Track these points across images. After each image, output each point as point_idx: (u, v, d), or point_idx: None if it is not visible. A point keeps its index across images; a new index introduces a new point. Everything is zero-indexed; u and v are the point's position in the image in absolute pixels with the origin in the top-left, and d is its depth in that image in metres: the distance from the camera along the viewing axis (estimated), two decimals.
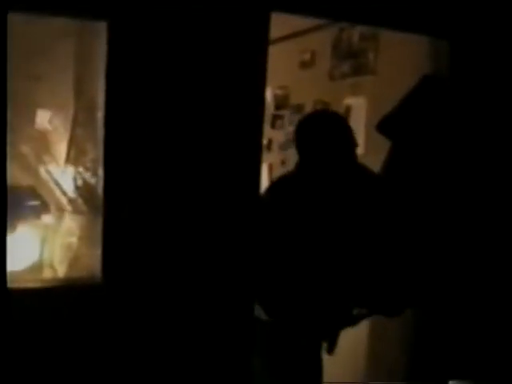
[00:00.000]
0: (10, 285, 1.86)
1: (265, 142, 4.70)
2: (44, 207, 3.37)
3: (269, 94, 4.68)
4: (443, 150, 2.66)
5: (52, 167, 2.35)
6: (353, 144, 2.63)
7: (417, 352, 3.05)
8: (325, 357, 2.79)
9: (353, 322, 2.73)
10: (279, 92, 4.76)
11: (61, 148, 2.33)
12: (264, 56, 2.32)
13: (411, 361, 3.09)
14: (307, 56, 4.30)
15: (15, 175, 2.77)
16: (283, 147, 4.73)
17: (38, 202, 3.41)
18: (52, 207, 2.39)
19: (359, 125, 3.56)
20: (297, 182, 2.70)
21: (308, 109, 4.26)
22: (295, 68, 4.46)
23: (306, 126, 2.75)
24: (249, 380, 2.44)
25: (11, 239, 2.68)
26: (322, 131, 2.63)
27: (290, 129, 4.53)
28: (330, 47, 3.98)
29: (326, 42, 3.97)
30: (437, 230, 2.65)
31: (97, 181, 2.19)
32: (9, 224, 2.24)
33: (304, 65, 4.38)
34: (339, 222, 2.53)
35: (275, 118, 4.83)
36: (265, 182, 4.18)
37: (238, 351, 2.41)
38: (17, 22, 2.09)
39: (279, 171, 4.55)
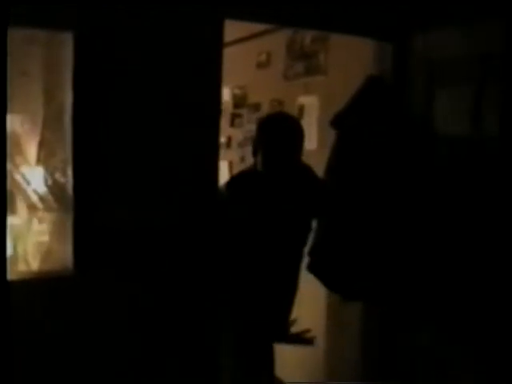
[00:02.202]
0: None
1: (224, 140, 4.87)
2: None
3: (227, 94, 4.85)
4: (387, 143, 2.88)
5: (24, 168, 2.49)
6: (301, 146, 2.78)
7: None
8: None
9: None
10: (237, 92, 4.88)
11: (31, 150, 2.47)
12: (219, 59, 2.49)
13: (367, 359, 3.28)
14: (263, 57, 4.43)
15: None
16: (242, 145, 4.86)
17: None
18: (24, 206, 2.52)
19: (312, 122, 3.75)
20: (254, 178, 2.85)
21: (265, 107, 4.43)
22: (252, 68, 4.58)
23: (264, 126, 2.87)
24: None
25: None
26: (277, 132, 2.78)
27: (249, 127, 4.66)
28: (284, 49, 4.10)
29: (280, 44, 4.10)
30: (382, 215, 2.85)
31: (66, 180, 2.33)
32: None
33: (260, 65, 4.50)
34: (289, 213, 2.75)
35: (234, 116, 4.94)
36: (225, 178, 4.37)
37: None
38: None
39: (239, 167, 4.71)
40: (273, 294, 2.80)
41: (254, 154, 2.79)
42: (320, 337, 3.33)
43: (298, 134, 2.74)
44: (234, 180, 2.97)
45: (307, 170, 2.88)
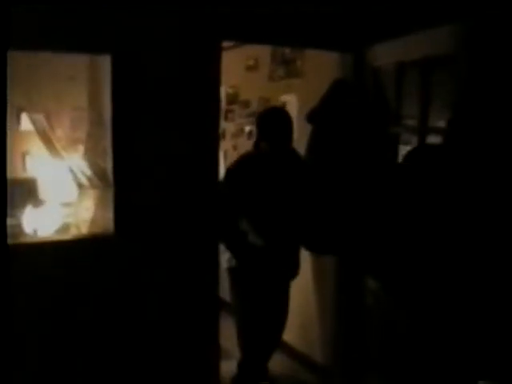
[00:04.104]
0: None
1: (220, 132, 5.59)
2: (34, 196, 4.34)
3: (222, 92, 5.50)
4: (350, 133, 3.61)
5: (74, 156, 3.27)
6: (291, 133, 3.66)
7: None
8: None
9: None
10: (230, 90, 5.51)
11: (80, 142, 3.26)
12: (218, 69, 3.23)
13: None
14: (252, 62, 5.08)
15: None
16: (234, 136, 5.52)
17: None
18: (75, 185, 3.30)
19: (292, 115, 4.33)
20: (257, 158, 3.71)
21: (254, 104, 5.12)
22: (243, 71, 5.22)
23: (264, 117, 3.78)
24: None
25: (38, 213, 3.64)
26: (276, 121, 3.68)
27: (240, 120, 5.38)
28: (269, 56, 4.75)
29: (266, 52, 4.74)
30: (345, 188, 3.58)
31: (107, 164, 3.09)
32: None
33: (250, 69, 5.15)
34: (284, 183, 3.60)
35: (227, 112, 5.58)
36: (221, 165, 5.11)
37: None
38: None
39: (232, 155, 5.41)
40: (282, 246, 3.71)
41: (258, 139, 3.66)
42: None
43: (291, 123, 3.72)
44: (244, 158, 3.81)
45: (295, 151, 3.77)
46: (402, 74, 3.37)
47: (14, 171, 4.91)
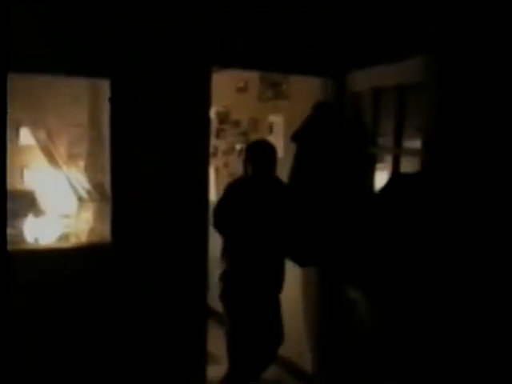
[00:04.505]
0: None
1: (212, 149, 5.71)
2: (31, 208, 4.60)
3: (214, 112, 5.63)
4: (331, 150, 3.88)
5: (75, 172, 3.53)
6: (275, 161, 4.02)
7: None
8: None
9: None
10: (222, 110, 5.76)
11: (81, 160, 3.53)
12: (208, 93, 3.52)
13: None
14: (242, 84, 5.33)
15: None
16: (225, 153, 5.78)
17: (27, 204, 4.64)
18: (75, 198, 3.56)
19: (279, 135, 4.69)
20: (247, 183, 4.04)
21: (244, 124, 5.38)
22: (234, 92, 5.47)
23: (250, 148, 4.13)
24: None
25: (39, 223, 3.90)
26: (258, 153, 4.03)
27: (231, 139, 5.64)
28: (258, 79, 5.00)
29: (255, 75, 4.97)
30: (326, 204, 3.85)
31: (105, 179, 3.36)
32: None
33: (240, 90, 5.40)
34: (268, 203, 3.90)
35: (219, 130, 5.84)
36: (213, 180, 5.36)
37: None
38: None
39: (223, 172, 5.70)
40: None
41: (245, 165, 4.07)
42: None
43: (273, 154, 4.06)
44: (235, 182, 4.15)
45: (278, 179, 4.08)
46: (378, 98, 3.65)
47: (12, 184, 5.17)
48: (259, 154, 4.06)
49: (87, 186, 3.59)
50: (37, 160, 5.01)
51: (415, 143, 3.44)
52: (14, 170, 5.23)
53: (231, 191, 4.08)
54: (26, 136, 5.12)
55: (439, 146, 3.14)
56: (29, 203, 5.04)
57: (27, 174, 5.20)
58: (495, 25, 3.02)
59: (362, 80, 3.72)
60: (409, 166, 3.49)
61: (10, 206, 4.95)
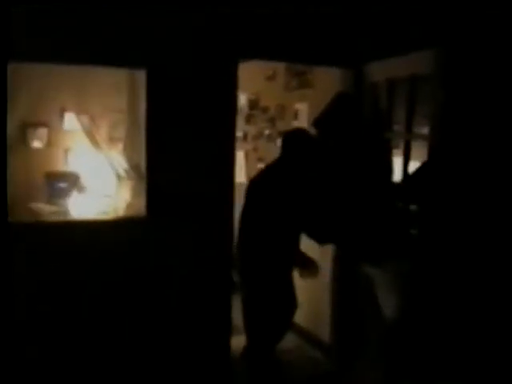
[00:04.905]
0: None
1: (241, 134, 6.06)
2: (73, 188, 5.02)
3: (244, 99, 6.04)
4: (350, 137, 4.15)
5: (116, 154, 3.92)
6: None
7: None
8: None
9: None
10: (252, 97, 6.05)
11: (119, 143, 3.92)
12: (235, 83, 3.85)
13: None
14: (270, 72, 5.60)
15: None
16: (255, 138, 6.04)
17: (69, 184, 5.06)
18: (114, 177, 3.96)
19: (304, 121, 4.98)
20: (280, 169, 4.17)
21: (272, 110, 5.66)
22: (263, 80, 5.75)
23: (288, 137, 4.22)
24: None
25: (82, 200, 4.31)
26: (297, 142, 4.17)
27: (260, 124, 5.91)
28: (284, 69, 5.30)
29: (282, 65, 5.27)
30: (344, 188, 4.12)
31: (141, 160, 3.73)
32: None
33: (269, 78, 5.66)
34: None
35: (249, 116, 6.11)
36: (242, 163, 5.69)
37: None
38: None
39: (252, 155, 5.99)
40: None
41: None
42: None
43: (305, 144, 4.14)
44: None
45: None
46: (393, 88, 3.94)
47: (57, 165, 5.61)
48: (292, 143, 4.16)
49: (125, 166, 3.98)
50: (80, 143, 5.44)
51: (425, 129, 3.70)
52: (58, 152, 5.67)
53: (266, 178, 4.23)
54: (69, 121, 5.54)
55: (445, 132, 3.43)
56: (72, 183, 5.47)
57: (71, 157, 5.62)
58: (499, 23, 3.30)
59: (378, 71, 4.01)
60: (419, 150, 3.77)
61: (54, 186, 5.45)
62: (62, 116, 5.61)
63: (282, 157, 4.15)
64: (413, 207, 3.95)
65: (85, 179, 5.24)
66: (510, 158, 3.31)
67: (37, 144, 5.62)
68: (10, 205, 4.48)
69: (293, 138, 4.17)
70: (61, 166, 5.69)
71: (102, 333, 3.71)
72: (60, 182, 5.57)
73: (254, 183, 4.12)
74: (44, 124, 5.64)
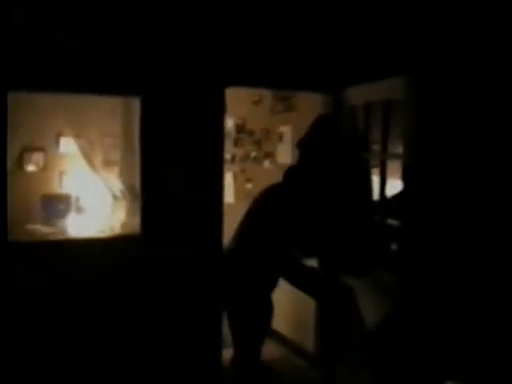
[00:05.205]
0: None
1: (230, 156, 6.30)
2: (68, 209, 5.27)
3: (232, 123, 6.29)
4: (331, 156, 4.43)
5: (111, 175, 4.19)
6: None
7: None
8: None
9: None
10: (239, 121, 6.32)
11: (115, 165, 4.19)
12: (222, 108, 4.13)
13: None
14: (257, 98, 5.88)
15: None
16: (242, 160, 6.33)
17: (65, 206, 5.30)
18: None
19: (288, 143, 5.27)
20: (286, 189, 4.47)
21: (258, 133, 5.96)
22: (249, 105, 6.03)
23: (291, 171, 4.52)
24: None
25: (79, 219, 4.56)
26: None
27: (247, 147, 6.20)
28: (270, 94, 5.58)
29: (267, 90, 5.49)
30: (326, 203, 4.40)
31: (135, 181, 3.99)
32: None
33: (255, 103, 5.94)
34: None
35: (236, 139, 6.38)
36: (231, 184, 5.95)
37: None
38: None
39: (240, 176, 6.27)
40: None
41: None
42: None
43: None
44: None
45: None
46: (369, 111, 4.24)
47: (52, 188, 5.84)
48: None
49: (121, 187, 4.25)
50: (75, 166, 5.68)
51: (399, 148, 3.99)
52: (53, 175, 5.89)
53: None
54: (65, 145, 5.77)
55: (416, 151, 3.73)
56: (67, 205, 5.71)
57: (66, 179, 5.84)
58: (460, 54, 3.65)
59: (356, 95, 4.30)
60: (397, 168, 4.05)
61: (50, 207, 5.67)
62: (57, 140, 5.84)
63: (284, 184, 4.46)
64: (393, 222, 4.21)
65: (81, 200, 5.48)
66: (478, 172, 3.63)
67: (33, 168, 5.82)
68: (8, 227, 4.76)
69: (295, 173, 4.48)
70: (56, 189, 5.91)
71: (98, 346, 3.91)
72: (56, 204, 5.80)
73: (259, 202, 4.45)
74: (40, 148, 5.86)
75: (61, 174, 5.89)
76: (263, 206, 4.42)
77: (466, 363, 3.86)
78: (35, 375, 3.74)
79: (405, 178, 3.83)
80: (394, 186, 4.15)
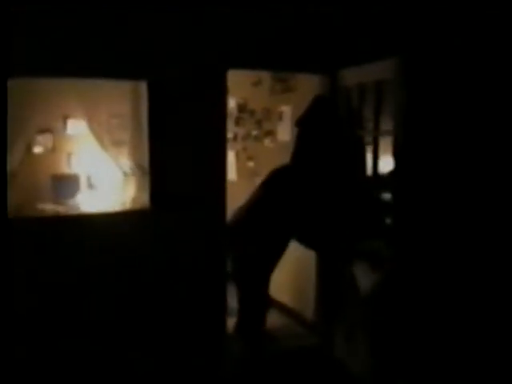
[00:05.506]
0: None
1: (232, 135, 6.54)
2: (77, 188, 5.54)
3: (234, 103, 6.52)
4: (328, 134, 4.67)
5: (122, 154, 4.47)
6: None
7: None
8: None
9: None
10: (240, 101, 6.55)
11: (124, 144, 4.47)
12: (224, 90, 4.38)
13: None
14: (256, 79, 6.10)
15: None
16: (244, 138, 6.56)
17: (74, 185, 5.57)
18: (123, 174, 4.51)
19: (287, 122, 5.49)
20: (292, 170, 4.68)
21: (258, 113, 6.18)
22: (249, 86, 6.26)
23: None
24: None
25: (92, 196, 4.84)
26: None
27: (248, 126, 6.43)
28: (269, 75, 5.80)
29: (266, 72, 5.68)
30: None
31: (145, 160, 4.26)
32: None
33: (255, 84, 6.16)
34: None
35: (238, 119, 6.61)
36: (233, 162, 6.19)
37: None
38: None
39: (242, 154, 6.50)
40: None
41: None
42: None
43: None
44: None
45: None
46: (363, 91, 4.49)
47: (60, 168, 6.10)
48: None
49: (130, 164, 4.52)
50: (82, 147, 5.94)
51: (390, 126, 4.25)
52: (61, 156, 6.16)
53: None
54: (72, 127, 6.03)
55: (406, 127, 4.00)
56: (75, 185, 5.98)
57: (74, 160, 6.11)
58: (448, 36, 3.91)
59: (350, 76, 4.56)
60: (387, 146, 4.31)
61: (59, 187, 5.94)
62: (64, 122, 6.09)
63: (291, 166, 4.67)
64: (386, 196, 4.47)
65: (93, 178, 5.76)
66: (464, 147, 3.91)
67: (42, 149, 6.09)
68: (20, 206, 5.04)
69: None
70: (65, 169, 6.18)
71: (109, 315, 4.18)
72: (65, 184, 6.08)
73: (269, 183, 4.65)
74: (48, 130, 6.12)
75: (69, 154, 6.16)
76: (273, 187, 4.64)
77: (454, 327, 4.20)
78: (46, 355, 4.02)
79: (395, 154, 4.08)
80: (388, 163, 4.37)
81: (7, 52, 2.96)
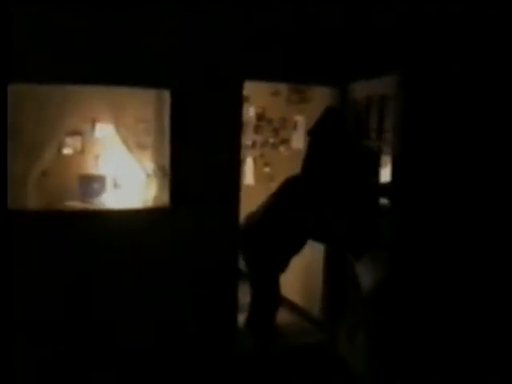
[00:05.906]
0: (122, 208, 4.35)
1: (250, 142, 6.84)
2: (103, 188, 5.91)
3: (253, 112, 6.83)
4: (338, 143, 4.95)
5: (146, 156, 4.85)
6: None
7: None
8: None
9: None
10: (259, 110, 6.83)
11: (148, 147, 4.84)
12: (240, 100, 4.70)
13: None
14: (275, 89, 6.36)
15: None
16: (262, 145, 6.83)
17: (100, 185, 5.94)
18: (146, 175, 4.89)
19: (301, 131, 5.77)
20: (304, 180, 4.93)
21: (275, 122, 6.47)
22: (268, 96, 6.53)
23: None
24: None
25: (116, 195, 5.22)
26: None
27: (266, 134, 6.71)
28: (286, 86, 6.07)
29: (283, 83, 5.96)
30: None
31: (165, 162, 4.61)
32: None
33: (273, 94, 6.43)
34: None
35: (257, 127, 6.89)
36: (251, 168, 6.49)
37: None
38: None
39: (260, 161, 6.79)
40: None
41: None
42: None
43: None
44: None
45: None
46: (369, 104, 4.81)
47: (88, 169, 6.48)
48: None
49: (153, 166, 4.89)
50: (109, 149, 6.30)
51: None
52: (89, 158, 6.53)
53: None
54: (100, 130, 6.41)
55: (405, 138, 4.30)
56: (101, 185, 6.35)
57: (100, 161, 6.48)
58: (443, 55, 4.25)
59: (358, 90, 4.87)
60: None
61: (86, 186, 6.32)
62: (93, 126, 6.46)
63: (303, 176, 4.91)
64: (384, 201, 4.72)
65: (118, 179, 6.14)
66: (459, 157, 4.22)
67: (72, 150, 6.47)
68: (49, 203, 5.40)
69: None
70: (92, 170, 6.55)
71: (125, 306, 4.47)
72: (92, 183, 6.45)
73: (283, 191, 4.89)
74: (78, 133, 6.48)
75: (96, 156, 6.53)
76: (285, 196, 4.87)
77: (454, 327, 4.45)
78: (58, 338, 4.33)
79: (394, 164, 4.38)
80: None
81: (8, 57, 3.19)
